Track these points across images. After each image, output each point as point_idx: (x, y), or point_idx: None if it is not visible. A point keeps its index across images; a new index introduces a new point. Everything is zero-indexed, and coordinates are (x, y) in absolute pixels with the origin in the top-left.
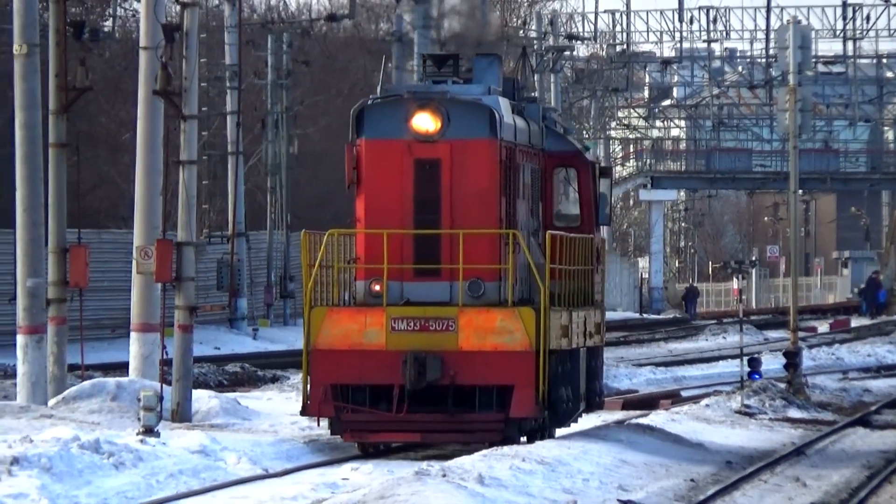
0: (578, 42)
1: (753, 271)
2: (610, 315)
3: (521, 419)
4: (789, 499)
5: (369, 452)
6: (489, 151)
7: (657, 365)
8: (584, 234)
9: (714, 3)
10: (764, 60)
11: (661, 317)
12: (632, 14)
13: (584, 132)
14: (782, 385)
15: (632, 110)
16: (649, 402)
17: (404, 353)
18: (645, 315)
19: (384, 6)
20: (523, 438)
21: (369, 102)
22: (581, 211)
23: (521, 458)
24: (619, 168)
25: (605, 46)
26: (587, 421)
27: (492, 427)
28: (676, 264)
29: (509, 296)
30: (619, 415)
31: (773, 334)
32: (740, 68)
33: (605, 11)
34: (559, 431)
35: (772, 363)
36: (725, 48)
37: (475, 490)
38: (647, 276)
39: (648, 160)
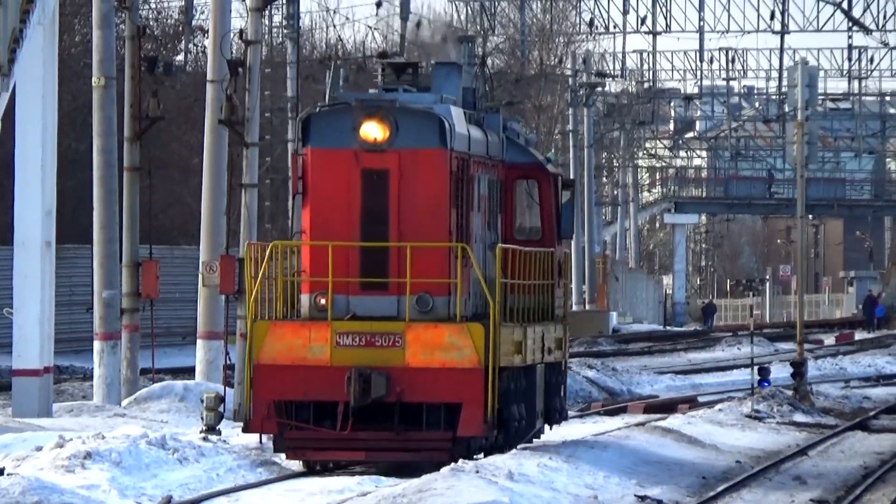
0: (609, 79)
1: (766, 288)
2: (636, 327)
3: (470, 438)
4: (791, 495)
5: (316, 470)
6: (439, 161)
7: (677, 373)
8: (544, 248)
9: (732, 45)
10: (777, 97)
11: (682, 329)
12: (657, 54)
13: (615, 161)
14: (789, 392)
15: (658, 141)
16: (669, 407)
17: (349, 368)
18: (668, 327)
19: (433, 44)
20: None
21: (316, 110)
22: (542, 224)
23: (549, 456)
24: (645, 194)
25: (633, 83)
26: (612, 423)
27: (439, 446)
28: (697, 282)
29: (458, 311)
30: (640, 417)
31: (783, 346)
32: (756, 104)
33: (633, 51)
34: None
35: (780, 372)
36: (743, 85)
37: (505, 485)
38: (670, 292)
39: (672, 187)
